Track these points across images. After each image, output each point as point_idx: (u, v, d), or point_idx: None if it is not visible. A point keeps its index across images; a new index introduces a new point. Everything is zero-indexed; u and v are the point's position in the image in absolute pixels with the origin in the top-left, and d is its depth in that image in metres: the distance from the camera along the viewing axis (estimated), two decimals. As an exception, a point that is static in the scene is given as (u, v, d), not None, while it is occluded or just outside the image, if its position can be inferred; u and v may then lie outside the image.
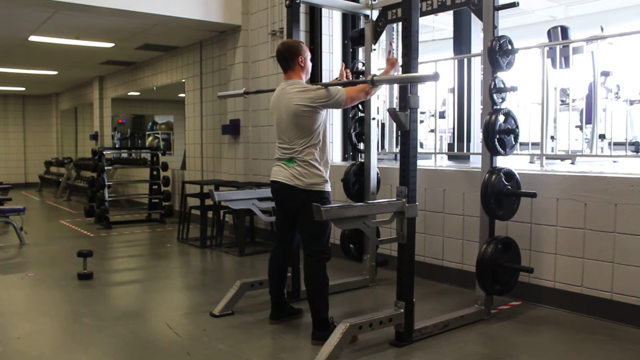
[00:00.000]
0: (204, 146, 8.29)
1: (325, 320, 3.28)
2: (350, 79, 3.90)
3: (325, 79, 6.08)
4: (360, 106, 4.73)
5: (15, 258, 6.06)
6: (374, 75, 3.19)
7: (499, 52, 3.59)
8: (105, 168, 8.46)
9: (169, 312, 4.06)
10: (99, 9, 5.96)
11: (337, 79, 4.06)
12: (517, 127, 3.69)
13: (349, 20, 6.13)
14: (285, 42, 3.57)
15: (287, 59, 3.41)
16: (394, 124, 5.25)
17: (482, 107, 3.85)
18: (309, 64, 3.48)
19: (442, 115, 6.94)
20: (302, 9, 5.44)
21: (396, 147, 5.93)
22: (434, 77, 3.01)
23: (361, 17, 5.09)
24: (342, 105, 3.38)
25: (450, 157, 5.91)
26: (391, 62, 3.67)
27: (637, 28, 4.38)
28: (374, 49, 4.62)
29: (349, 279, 4.59)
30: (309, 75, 3.51)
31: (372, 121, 4.61)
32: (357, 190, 4.66)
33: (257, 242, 6.66)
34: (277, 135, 3.47)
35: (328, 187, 3.38)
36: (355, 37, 4.86)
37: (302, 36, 4.08)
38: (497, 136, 3.58)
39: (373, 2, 4.55)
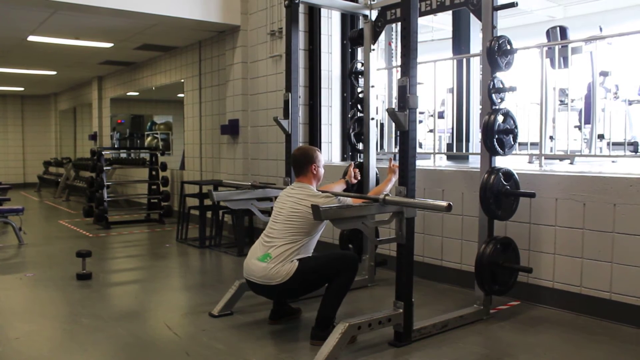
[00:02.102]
0: (203, 146, 8.28)
1: (329, 320, 3.28)
2: (358, 178, 4.06)
3: (324, 78, 6.09)
4: (359, 106, 4.74)
5: (14, 258, 6.06)
6: (386, 195, 3.18)
7: (498, 52, 3.59)
8: (104, 168, 8.45)
9: (168, 313, 4.06)
10: (98, 9, 5.95)
11: (345, 179, 4.19)
12: (516, 127, 3.69)
13: (348, 20, 6.13)
14: (302, 148, 3.71)
15: (301, 165, 3.53)
16: (393, 124, 5.25)
17: (481, 107, 3.86)
18: (322, 172, 3.59)
19: (441, 116, 6.94)
20: (301, 9, 5.45)
21: (395, 147, 5.92)
22: (447, 208, 2.90)
23: (360, 17, 5.10)
24: None
25: (449, 157, 5.92)
26: (393, 170, 3.76)
27: (636, 28, 4.39)
28: (373, 49, 4.61)
29: (348, 279, 4.58)
30: (319, 182, 3.61)
31: (371, 121, 4.61)
32: (356, 190, 4.65)
33: (256, 242, 6.65)
34: (269, 223, 3.48)
35: (296, 264, 3.26)
36: (354, 37, 4.86)
37: (301, 36, 4.10)
38: (496, 136, 3.59)
39: (372, 2, 4.56)
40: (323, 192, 3.53)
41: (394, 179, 3.72)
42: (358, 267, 3.41)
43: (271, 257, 3.27)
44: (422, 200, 3.11)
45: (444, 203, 2.92)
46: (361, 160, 4.70)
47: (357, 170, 4.01)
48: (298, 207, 3.35)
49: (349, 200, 3.40)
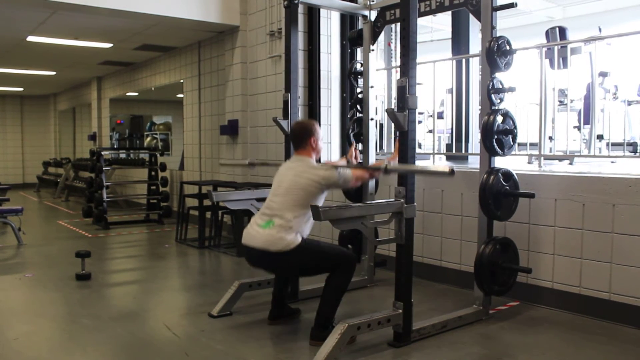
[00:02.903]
0: (202, 147, 8.28)
1: (328, 321, 3.27)
2: (359, 158, 4.02)
3: (324, 79, 6.09)
4: (358, 106, 4.73)
5: (13, 259, 6.05)
6: (388, 163, 3.21)
7: (497, 53, 3.59)
8: (104, 168, 8.45)
9: (167, 313, 4.06)
10: (98, 9, 5.95)
11: (346, 157, 4.17)
12: (515, 127, 3.69)
13: (348, 20, 6.13)
14: (300, 122, 3.71)
15: (301, 138, 3.52)
16: (392, 124, 5.25)
17: (480, 107, 3.86)
18: (321, 145, 3.58)
19: (440, 116, 6.94)
20: (301, 9, 5.46)
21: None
22: (449, 173, 2.88)
23: (359, 18, 5.09)
24: (347, 185, 3.48)
25: (449, 158, 5.91)
26: (398, 149, 3.71)
27: (635, 29, 4.39)
28: (372, 50, 4.62)
29: (348, 280, 4.58)
30: (319, 155, 3.60)
31: (370, 121, 4.61)
32: (355, 190, 4.66)
33: (256, 243, 6.65)
34: (269, 194, 3.47)
35: (299, 239, 3.27)
36: (353, 38, 4.86)
37: (300, 36, 4.10)
38: (495, 137, 3.59)
39: (371, 3, 4.56)
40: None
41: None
42: (355, 267, 3.40)
43: (274, 225, 3.26)
44: (424, 166, 3.08)
45: (447, 168, 2.89)
46: (361, 161, 4.70)
47: (357, 150, 3.97)
48: (298, 180, 3.32)
49: (349, 171, 3.39)
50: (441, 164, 2.99)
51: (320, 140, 3.57)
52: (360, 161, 4.34)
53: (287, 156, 3.98)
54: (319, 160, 3.65)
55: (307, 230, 3.38)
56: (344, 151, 6.23)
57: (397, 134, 3.49)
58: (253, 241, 3.32)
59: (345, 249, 4.58)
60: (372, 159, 4.63)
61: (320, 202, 3.39)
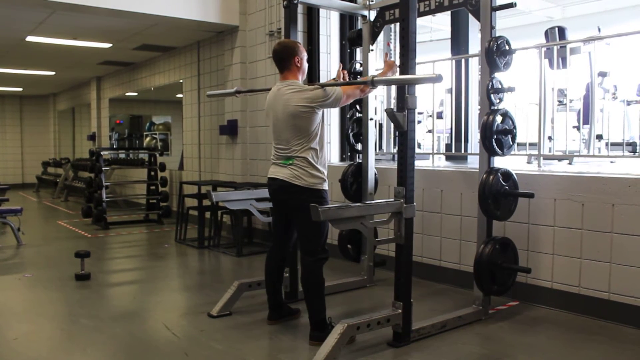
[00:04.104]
0: (201, 147, 8.28)
1: (322, 321, 3.28)
2: (348, 79, 3.86)
3: (323, 79, 6.07)
4: (357, 106, 4.73)
5: (13, 259, 6.05)
6: (374, 76, 3.17)
7: (496, 53, 3.59)
8: (103, 169, 8.45)
9: (166, 313, 4.06)
10: (97, 10, 5.95)
11: (334, 79, 4.03)
12: (514, 127, 3.69)
13: (347, 20, 6.13)
14: (282, 41, 3.54)
15: (283, 58, 3.38)
16: (392, 124, 5.25)
17: (479, 107, 3.86)
18: (305, 65, 3.46)
19: (439, 116, 6.93)
20: (300, 9, 5.44)
21: (394, 147, 5.92)
22: (436, 78, 2.93)
23: (359, 18, 5.10)
24: (340, 103, 3.35)
25: (448, 158, 5.92)
26: (389, 64, 3.64)
27: (634, 29, 4.38)
28: (372, 50, 4.61)
29: (347, 280, 4.59)
30: (305, 76, 3.48)
31: (369, 121, 4.61)
32: (354, 190, 4.67)
33: (255, 243, 6.66)
34: (273, 136, 3.45)
35: (326, 186, 3.37)
36: (352, 38, 4.86)
37: (299, 36, 4.10)
38: (495, 136, 3.59)
39: (371, 3, 4.56)
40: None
41: (389, 73, 3.57)
42: (323, 265, 3.38)
43: (294, 162, 3.27)
44: (411, 75, 3.04)
45: (433, 74, 2.92)
46: (360, 161, 4.70)
47: (345, 71, 3.82)
48: (289, 109, 3.26)
49: (338, 88, 3.29)
50: (428, 74, 3.01)
51: (305, 59, 3.44)
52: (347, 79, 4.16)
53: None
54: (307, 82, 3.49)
55: (325, 161, 3.36)
56: (343, 151, 6.23)
57: (397, 135, 3.48)
58: (279, 173, 3.33)
59: (342, 248, 4.58)
60: (372, 159, 4.63)
61: (321, 125, 3.33)
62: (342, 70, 3.82)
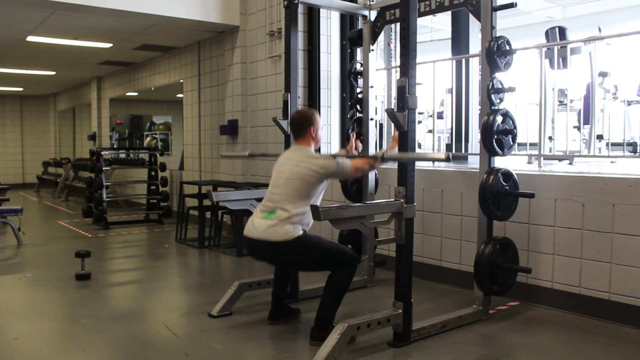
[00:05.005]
0: (202, 147, 8.28)
1: (328, 322, 3.27)
2: (360, 149, 3.99)
3: (324, 79, 6.09)
4: (358, 107, 4.73)
5: (13, 259, 6.05)
6: (385, 151, 3.23)
7: (497, 53, 3.59)
8: (103, 168, 8.45)
9: (166, 313, 4.06)
10: (97, 9, 5.95)
11: (346, 149, 4.11)
12: (515, 127, 3.69)
13: (347, 20, 6.13)
14: (300, 111, 3.68)
15: (300, 127, 3.49)
16: (392, 124, 5.25)
17: (480, 107, 3.86)
18: (320, 135, 3.56)
19: (440, 116, 6.94)
20: (301, 9, 5.46)
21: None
22: (446, 159, 2.94)
23: (359, 18, 5.10)
24: (347, 176, 3.49)
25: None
26: (396, 139, 3.67)
27: (635, 29, 4.39)
28: (372, 50, 4.62)
29: (347, 280, 4.58)
30: (318, 145, 3.58)
31: (370, 121, 4.61)
32: (355, 190, 4.67)
33: (255, 243, 6.65)
34: (269, 185, 3.47)
35: (300, 231, 3.27)
36: (353, 38, 4.86)
37: (300, 36, 4.11)
38: (495, 137, 3.59)
39: (371, 3, 4.56)
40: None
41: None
42: (357, 267, 3.40)
43: (276, 215, 3.25)
44: (421, 152, 3.12)
45: (443, 155, 2.93)
46: (361, 151, 4.68)
47: (358, 141, 3.94)
48: (297, 170, 3.31)
49: (347, 161, 3.38)
50: (438, 153, 3.03)
51: (320, 130, 3.54)
52: (360, 150, 4.25)
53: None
54: (318, 151, 3.62)
55: (310, 220, 3.33)
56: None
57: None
58: (254, 232, 3.31)
59: (348, 248, 4.58)
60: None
61: (321, 193, 3.38)
62: (355, 140, 3.93)
